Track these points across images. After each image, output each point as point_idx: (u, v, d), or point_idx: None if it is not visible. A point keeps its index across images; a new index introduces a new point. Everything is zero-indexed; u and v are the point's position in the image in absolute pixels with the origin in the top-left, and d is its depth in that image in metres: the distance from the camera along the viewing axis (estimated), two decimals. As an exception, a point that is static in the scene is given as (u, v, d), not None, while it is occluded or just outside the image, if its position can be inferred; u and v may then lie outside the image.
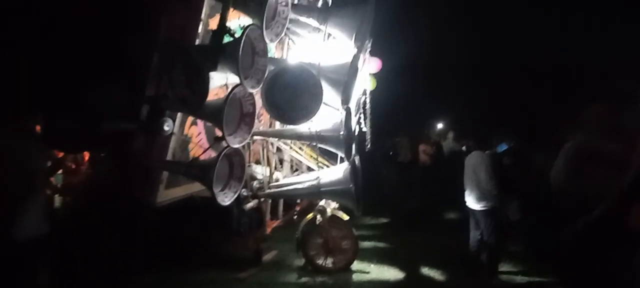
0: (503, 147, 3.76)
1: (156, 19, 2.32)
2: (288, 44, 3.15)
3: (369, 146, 3.92)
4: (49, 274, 2.01)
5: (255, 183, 2.76)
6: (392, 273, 3.31)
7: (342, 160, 2.64)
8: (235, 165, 2.22)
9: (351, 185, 2.28)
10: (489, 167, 3.13)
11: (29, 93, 2.57)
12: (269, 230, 3.17)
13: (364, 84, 3.40)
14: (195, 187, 2.49)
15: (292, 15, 2.31)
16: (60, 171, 3.07)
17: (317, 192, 2.43)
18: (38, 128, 2.59)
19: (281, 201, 3.41)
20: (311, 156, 3.19)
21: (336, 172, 2.46)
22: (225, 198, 2.10)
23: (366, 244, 4.05)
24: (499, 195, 3.13)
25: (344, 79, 2.11)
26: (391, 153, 7.16)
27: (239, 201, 2.46)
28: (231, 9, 2.12)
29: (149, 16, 2.36)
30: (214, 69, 2.00)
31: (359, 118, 3.33)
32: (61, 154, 3.02)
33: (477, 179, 3.18)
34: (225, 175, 2.21)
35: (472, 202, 3.27)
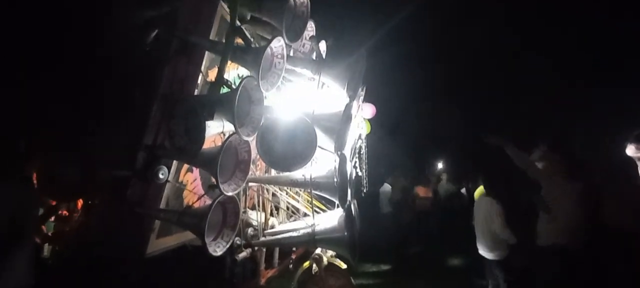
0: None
1: (159, 70, 2.43)
2: (284, 90, 3.26)
3: (365, 190, 3.91)
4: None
5: (249, 231, 2.71)
6: (394, 328, 3.13)
7: (339, 206, 2.62)
8: (228, 213, 2.19)
9: (346, 233, 2.24)
10: (502, 215, 3.06)
11: (26, 139, 2.60)
12: (263, 280, 3.04)
13: (359, 129, 3.47)
14: (188, 236, 2.44)
15: (287, 66, 2.43)
16: (52, 219, 3.02)
17: (312, 240, 2.38)
18: (34, 176, 2.59)
19: (277, 249, 3.32)
20: (308, 201, 3.16)
21: (331, 219, 2.42)
22: (217, 248, 2.05)
23: (366, 294, 3.87)
24: (513, 244, 3.03)
25: (338, 127, 2.17)
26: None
27: (232, 250, 2.39)
28: (229, 62, 2.23)
29: (152, 67, 2.47)
30: (211, 118, 2.06)
31: (355, 163, 3.36)
32: (54, 202, 2.99)
33: (488, 228, 3.11)
34: (219, 224, 2.17)
35: (483, 250, 3.18)
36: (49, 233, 2.95)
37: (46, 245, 2.91)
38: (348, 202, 2.38)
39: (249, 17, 2.47)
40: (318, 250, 2.98)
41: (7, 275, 1.83)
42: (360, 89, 2.66)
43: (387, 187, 6.58)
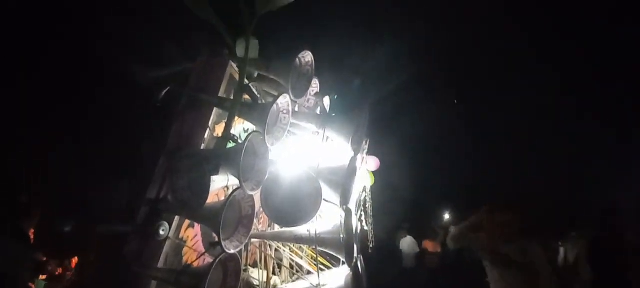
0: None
1: (167, 125, 2.48)
2: (288, 143, 3.29)
3: (371, 245, 3.76)
4: None
5: (250, 292, 2.55)
6: None
7: (344, 263, 2.49)
8: (229, 273, 2.08)
9: (354, 295, 2.10)
10: None
11: (27, 193, 2.58)
12: (264, 348, 2.79)
13: (364, 181, 3.43)
14: (185, 297, 2.29)
15: (292, 121, 2.48)
16: (43, 277, 2.89)
17: (317, 302, 2.23)
18: (31, 231, 2.53)
19: (278, 312, 3.09)
20: (312, 257, 3.01)
21: (337, 279, 2.29)
22: (216, 313, 1.92)
23: None
24: None
25: (343, 181, 2.14)
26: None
27: (231, 315, 2.23)
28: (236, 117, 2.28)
29: (161, 122, 2.53)
30: (216, 173, 2.06)
31: (360, 216, 3.27)
32: (48, 258, 2.88)
33: None
34: (218, 284, 2.05)
35: None
36: (39, 294, 2.79)
37: (35, 306, 2.74)
38: (355, 260, 2.27)
39: (256, 75, 2.58)
40: (323, 314, 2.77)
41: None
42: (364, 142, 2.68)
43: (408, 239, 6.30)
